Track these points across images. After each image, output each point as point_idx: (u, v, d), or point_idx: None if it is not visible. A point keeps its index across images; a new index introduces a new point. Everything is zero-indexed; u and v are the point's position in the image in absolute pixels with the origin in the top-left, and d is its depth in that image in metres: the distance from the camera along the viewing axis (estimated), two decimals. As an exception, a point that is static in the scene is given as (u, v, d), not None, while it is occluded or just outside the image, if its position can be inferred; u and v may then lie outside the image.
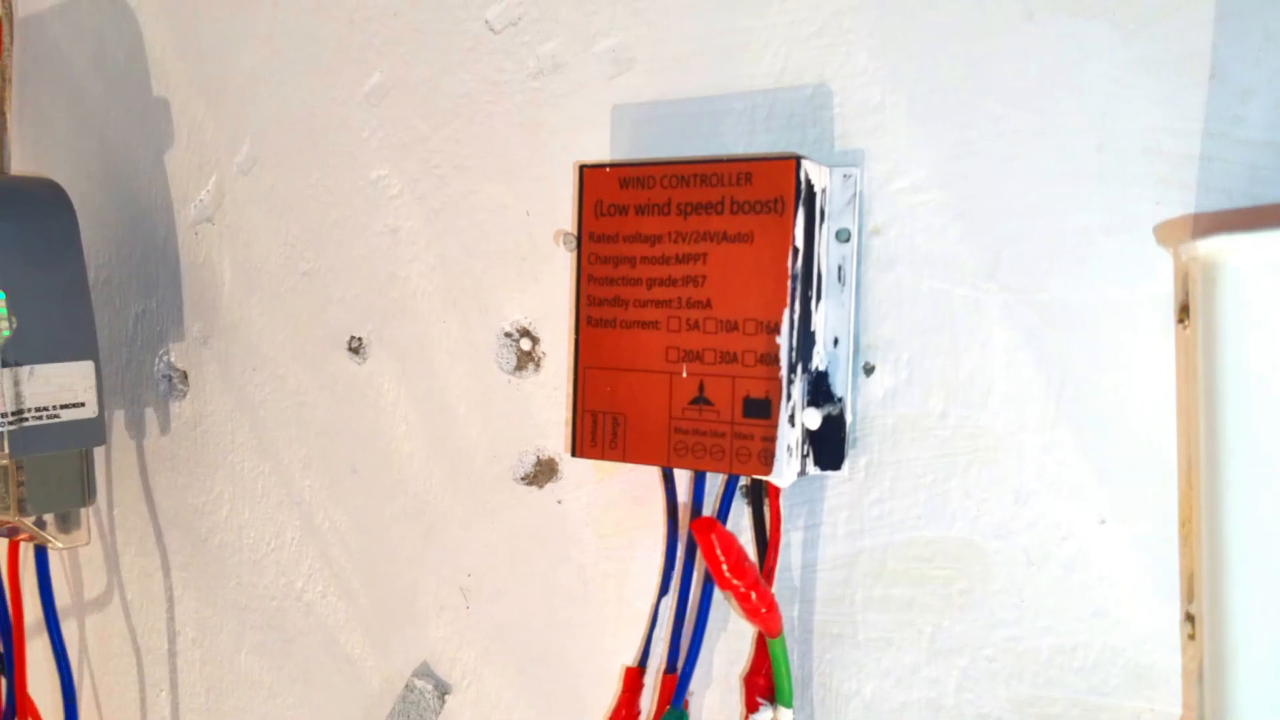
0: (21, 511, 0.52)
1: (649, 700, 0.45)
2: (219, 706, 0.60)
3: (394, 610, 0.53)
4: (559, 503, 0.48)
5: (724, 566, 0.34)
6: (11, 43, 0.59)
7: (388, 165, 0.51)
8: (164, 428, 0.60)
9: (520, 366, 0.49)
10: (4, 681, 0.58)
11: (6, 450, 0.49)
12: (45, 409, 0.51)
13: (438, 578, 0.52)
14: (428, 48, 0.50)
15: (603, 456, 0.42)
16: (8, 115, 0.58)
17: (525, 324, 0.48)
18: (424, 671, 0.53)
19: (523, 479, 0.49)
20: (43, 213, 0.52)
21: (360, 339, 0.53)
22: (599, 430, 0.43)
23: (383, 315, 0.52)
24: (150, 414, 0.60)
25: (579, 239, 0.43)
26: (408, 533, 0.53)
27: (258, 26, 0.55)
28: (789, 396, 0.39)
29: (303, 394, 0.55)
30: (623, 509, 0.47)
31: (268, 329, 0.56)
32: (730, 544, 0.35)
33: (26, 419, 0.50)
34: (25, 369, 0.50)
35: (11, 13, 0.59)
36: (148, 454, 0.61)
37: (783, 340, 0.39)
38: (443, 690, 0.52)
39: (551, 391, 0.48)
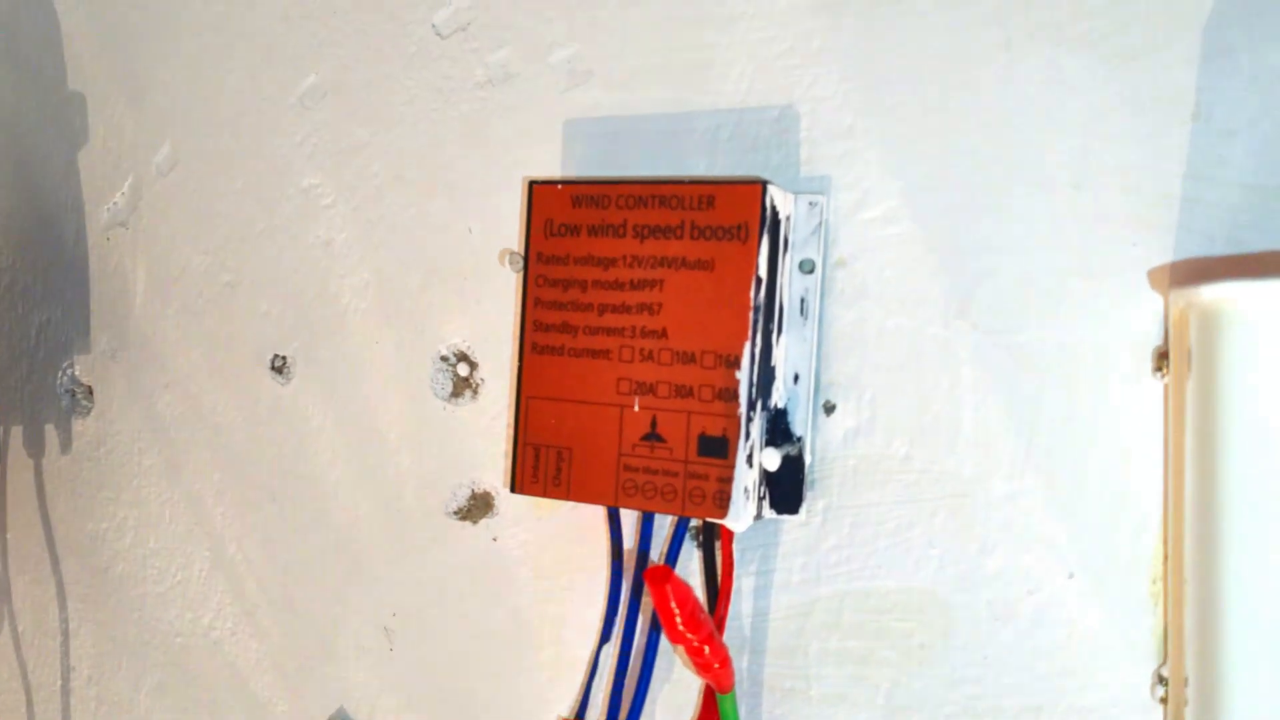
0: (-103, 536, 0.47)
1: (585, 756, 0.42)
2: (113, 751, 0.55)
3: (310, 651, 0.50)
4: (494, 540, 0.45)
5: (678, 619, 0.32)
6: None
7: (321, 173, 0.48)
8: (65, 446, 0.56)
9: (457, 393, 0.46)
10: None
11: (-119, 469, 0.44)
12: (-71, 424, 0.46)
13: (359, 617, 0.48)
14: (369, 51, 0.47)
15: (544, 494, 0.40)
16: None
17: (464, 348, 0.45)
18: (340, 718, 0.49)
19: (455, 513, 0.46)
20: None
21: (285, 358, 0.49)
22: (541, 465, 0.40)
23: (310, 333, 0.49)
24: (50, 431, 0.56)
25: (526, 259, 0.40)
26: (329, 568, 0.49)
27: (185, 20, 0.51)
28: (748, 435, 0.36)
29: (219, 415, 0.51)
30: (563, 548, 0.44)
31: (183, 343, 0.52)
32: (686, 595, 0.32)
33: (-94, 435, 0.45)
34: (-93, 379, 0.45)
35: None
36: (46, 474, 0.56)
37: (743, 375, 0.36)
38: (361, 739, 0.48)
39: (490, 421, 0.45)
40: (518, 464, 0.40)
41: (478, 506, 0.46)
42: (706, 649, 0.33)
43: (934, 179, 0.37)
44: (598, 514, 0.42)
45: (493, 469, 0.45)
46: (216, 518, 0.52)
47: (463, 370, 0.45)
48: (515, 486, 0.40)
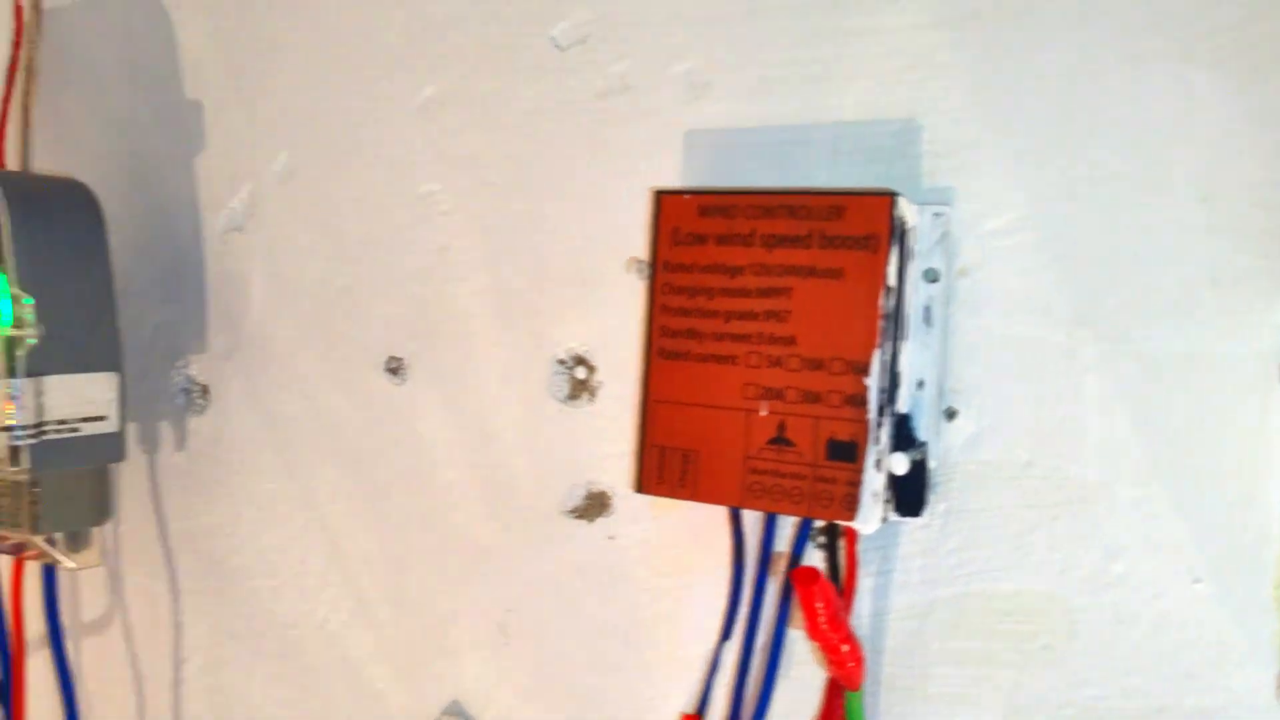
0: (34, 529, 0.49)
1: (705, 749, 0.43)
2: (226, 738, 0.57)
3: (425, 644, 0.51)
4: (610, 538, 0.46)
5: (821, 618, 0.33)
6: (38, 35, 0.56)
7: (439, 181, 0.50)
8: (180, 443, 0.58)
9: (574, 396, 0.47)
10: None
11: (27, 465, 0.46)
12: (66, 422, 0.48)
13: (475, 612, 0.50)
14: (488, 62, 0.48)
15: (669, 494, 0.41)
16: (31, 110, 0.55)
17: (581, 352, 0.47)
18: (455, 710, 0.50)
19: (572, 512, 0.47)
20: (71, 215, 0.49)
21: (400, 359, 0.51)
22: (666, 466, 0.41)
23: (426, 336, 0.50)
24: (166, 428, 0.58)
25: (652, 267, 0.41)
26: (444, 564, 0.50)
27: (304, 32, 0.53)
28: (877, 440, 0.37)
29: (334, 414, 0.53)
30: (680, 548, 0.45)
31: (299, 345, 0.54)
32: (831, 595, 0.33)
33: (47, 432, 0.47)
34: (49, 379, 0.47)
35: (40, 6, 0.56)
36: (160, 470, 0.58)
37: (872, 382, 0.37)
38: (474, 730, 0.50)
39: (607, 423, 0.46)
40: (643, 465, 0.41)
41: (594, 506, 0.47)
42: (845, 647, 0.34)
43: (1058, 190, 0.38)
44: (713, 516, 0.43)
45: (610, 469, 0.46)
46: (332, 514, 0.53)
47: (580, 374, 0.47)
48: (640, 487, 0.41)
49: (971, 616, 0.40)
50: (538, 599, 0.48)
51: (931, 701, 0.40)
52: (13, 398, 0.46)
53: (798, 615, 0.36)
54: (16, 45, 0.58)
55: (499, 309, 0.49)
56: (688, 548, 0.45)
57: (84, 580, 0.61)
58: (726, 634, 0.42)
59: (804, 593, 0.33)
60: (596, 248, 0.46)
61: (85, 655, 0.62)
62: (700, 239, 0.40)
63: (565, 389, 0.47)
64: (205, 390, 0.57)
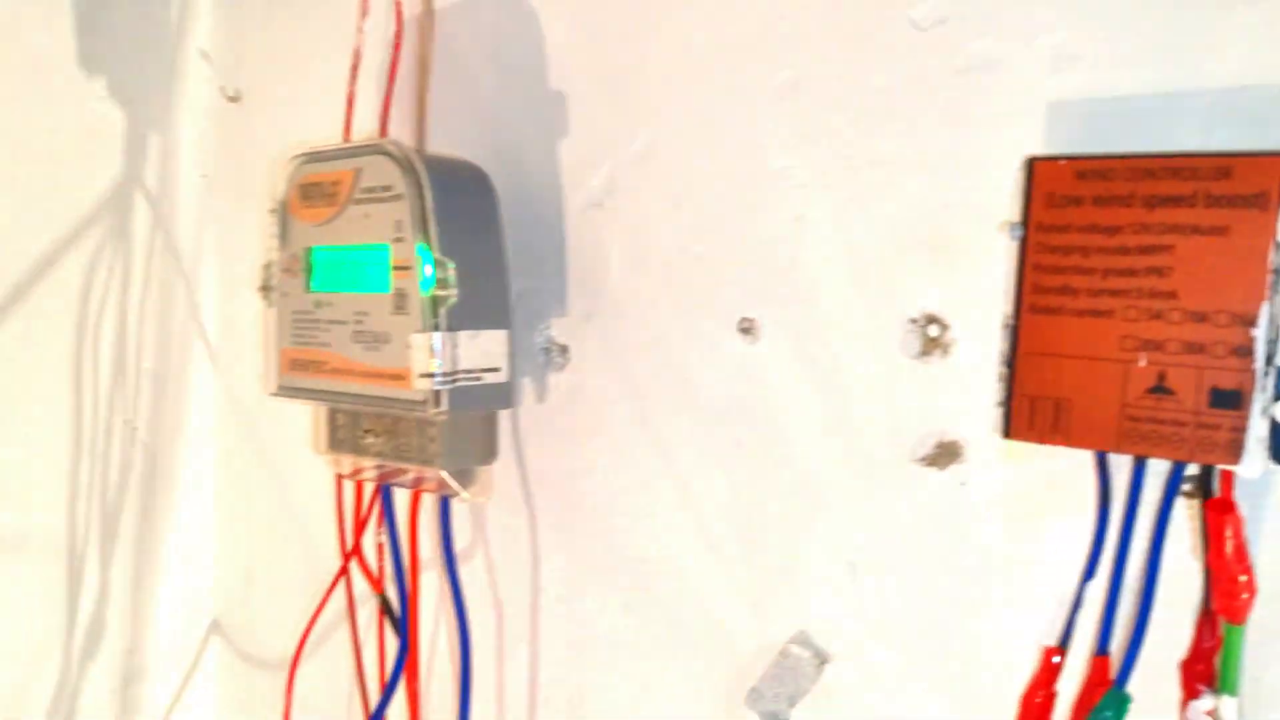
0: (440, 464, 0.57)
1: (1067, 682, 0.46)
2: (581, 661, 0.64)
3: (772, 580, 0.56)
4: (962, 484, 0.50)
5: (1229, 546, 0.35)
6: (432, 33, 0.64)
7: (794, 156, 0.54)
8: (540, 396, 0.65)
9: (926, 352, 0.51)
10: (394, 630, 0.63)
11: (445, 407, 0.54)
12: (471, 371, 0.56)
13: (823, 550, 0.54)
14: (845, 45, 0.52)
15: (1040, 440, 0.44)
16: (425, 102, 0.64)
17: (934, 312, 0.50)
18: (802, 639, 0.55)
19: (922, 460, 0.51)
20: (473, 192, 0.57)
21: (752, 320, 0.56)
22: (1037, 414, 0.44)
23: (779, 298, 0.55)
24: (528, 383, 0.65)
25: (1024, 229, 0.44)
26: (792, 506, 0.55)
27: (661, 26, 0.59)
28: (1263, 388, 0.39)
29: (688, 370, 0.59)
30: (1036, 494, 0.48)
31: (655, 308, 0.60)
32: (1240, 528, 0.36)
33: (459, 380, 0.55)
34: (461, 334, 0.55)
35: (432, 8, 0.64)
36: (521, 420, 0.66)
37: (1259, 333, 0.39)
38: (822, 659, 0.54)
39: (960, 377, 0.50)
40: (1013, 413, 0.45)
41: (945, 454, 0.50)
42: (1243, 577, 0.37)
43: None
44: (1069, 463, 0.46)
45: (962, 420, 0.50)
46: (683, 460, 0.59)
47: (933, 331, 0.50)
48: (1010, 433, 0.45)
49: (1352, 564, 0.41)
50: (887, 540, 0.52)
51: (1304, 645, 0.42)
52: (435, 350, 0.54)
53: (1196, 544, 0.38)
54: (396, 46, 0.66)
55: (851, 273, 0.53)
56: (1043, 493, 0.48)
57: (454, 514, 0.70)
58: (1090, 573, 0.45)
59: (1215, 520, 0.35)
60: (952, 214, 0.50)
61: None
62: (1075, 201, 0.43)
63: (917, 346, 0.51)
64: (564, 349, 0.64)
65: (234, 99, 0.82)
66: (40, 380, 0.74)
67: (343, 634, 0.74)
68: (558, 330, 0.64)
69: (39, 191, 0.73)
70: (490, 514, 0.68)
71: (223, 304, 0.85)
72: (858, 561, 0.53)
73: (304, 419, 0.78)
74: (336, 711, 0.78)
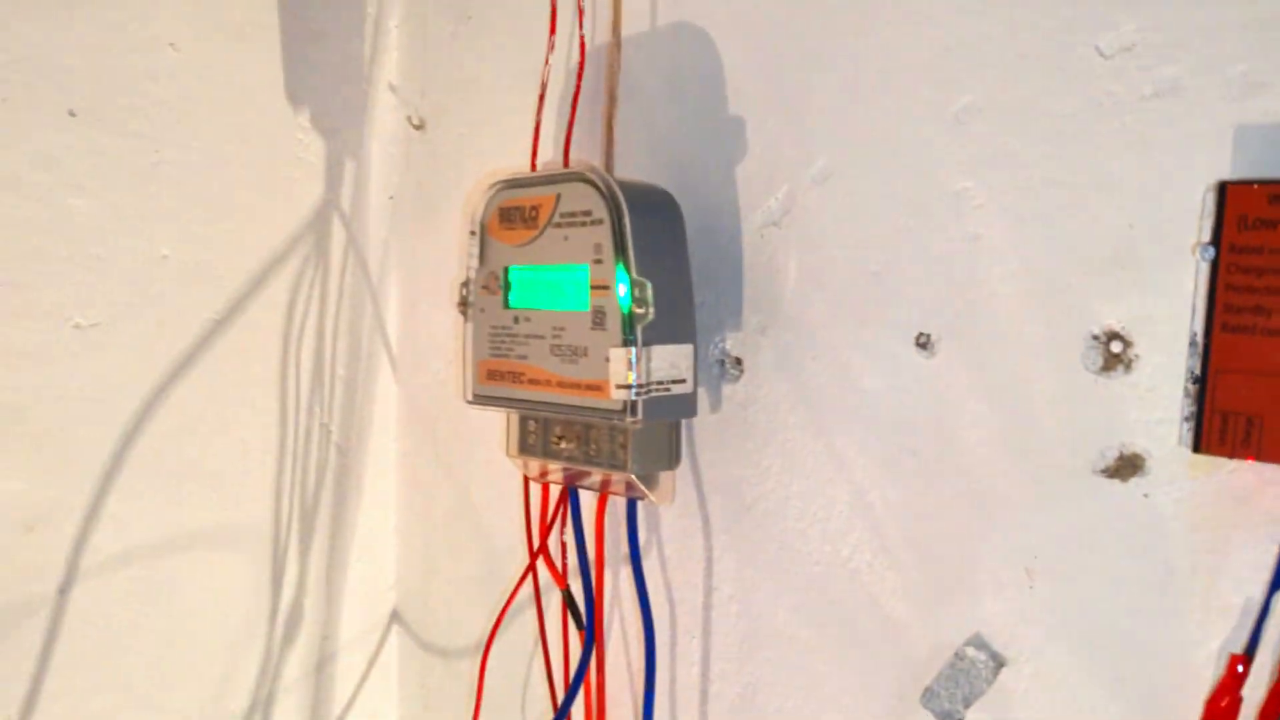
0: (629, 469, 0.61)
1: (1253, 690, 0.47)
2: (751, 655, 0.68)
3: (946, 584, 0.59)
4: (1145, 496, 0.52)
5: None
6: (619, 66, 0.69)
7: (972, 179, 0.57)
8: (714, 406, 0.69)
9: (1108, 367, 0.52)
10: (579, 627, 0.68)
11: (640, 416, 0.58)
12: (661, 383, 0.60)
13: (998, 557, 0.56)
14: (1027, 72, 0.54)
15: (1232, 454, 0.46)
16: (613, 129, 0.68)
17: (1117, 329, 0.52)
18: (978, 641, 0.57)
19: (1102, 471, 0.53)
20: (666, 215, 0.61)
21: (928, 335, 0.59)
22: (1229, 429, 0.46)
23: (955, 314, 0.58)
24: (702, 394, 0.69)
25: (1216, 249, 0.46)
26: (967, 514, 0.58)
27: (839, 54, 0.62)
28: None
29: (863, 382, 0.61)
30: (1222, 506, 0.49)
31: (830, 323, 0.63)
32: None
33: (652, 391, 0.59)
34: (655, 348, 0.59)
35: (619, 41, 0.69)
36: (696, 428, 0.70)
37: None
38: (998, 662, 0.57)
39: (1142, 392, 0.51)
40: (1203, 428, 0.46)
41: (1126, 466, 0.52)
42: None
43: None
44: (1256, 478, 0.47)
45: (1145, 434, 0.51)
46: (857, 468, 0.62)
47: (1115, 347, 0.52)
48: (1199, 447, 0.46)
49: None
50: (1065, 548, 0.54)
51: None
52: (632, 363, 0.58)
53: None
54: (579, 76, 0.71)
55: (1031, 290, 0.55)
56: (1230, 506, 0.49)
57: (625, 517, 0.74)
58: (1277, 584, 0.46)
59: None
60: (1135, 235, 0.51)
61: (623, 580, 0.75)
62: (1269, 224, 0.45)
63: (1098, 361, 0.53)
64: (739, 361, 0.67)
65: (419, 127, 0.89)
66: (251, 386, 0.81)
67: (514, 626, 0.79)
68: (732, 343, 0.68)
69: (253, 214, 0.80)
70: (664, 516, 0.72)
71: (404, 317, 0.92)
72: (1035, 568, 0.55)
73: (479, 424, 0.83)
74: (512, 698, 0.83)
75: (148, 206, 0.75)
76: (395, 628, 0.93)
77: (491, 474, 0.84)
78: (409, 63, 0.89)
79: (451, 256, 0.87)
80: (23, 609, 0.70)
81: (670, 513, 0.72)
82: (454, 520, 0.89)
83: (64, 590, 0.72)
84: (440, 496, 0.90)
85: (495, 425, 0.81)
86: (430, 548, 0.91)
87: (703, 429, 0.70)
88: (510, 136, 0.80)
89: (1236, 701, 0.48)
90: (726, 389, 0.68)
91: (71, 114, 0.70)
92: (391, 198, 0.90)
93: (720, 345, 0.68)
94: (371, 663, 0.91)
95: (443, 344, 0.88)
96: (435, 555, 0.91)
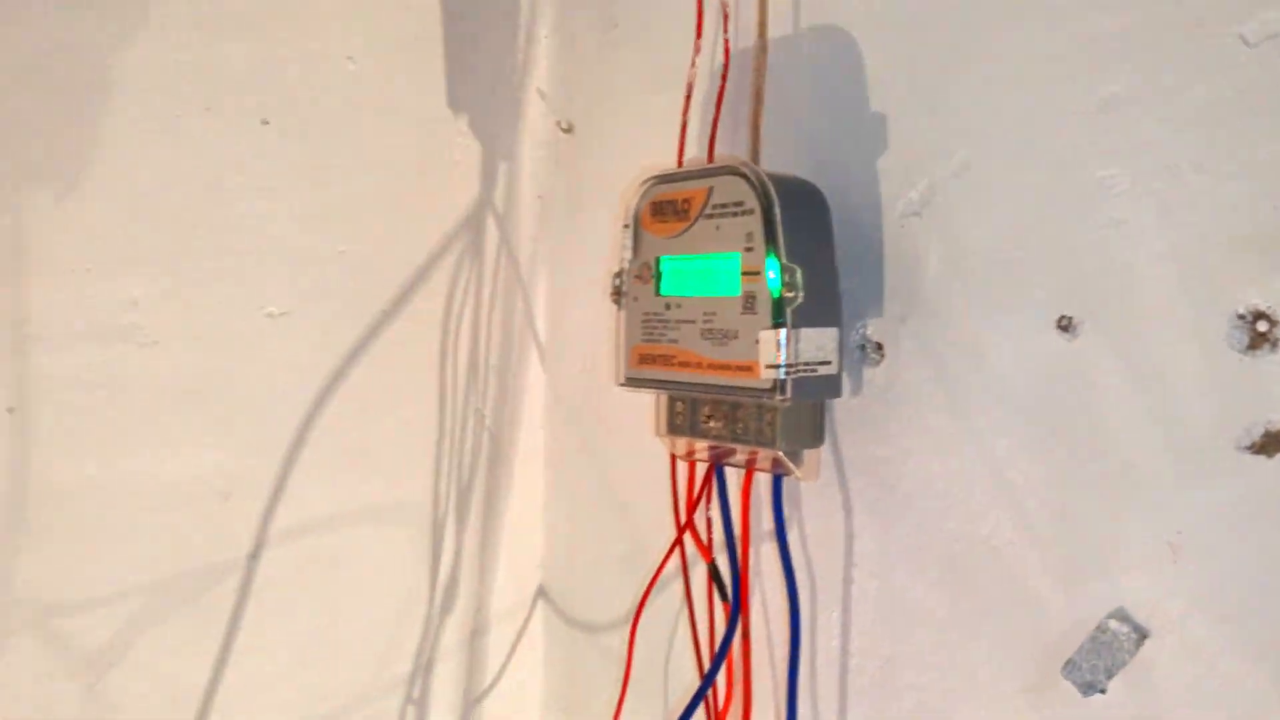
0: (778, 446, 0.65)
1: (1406, 659, 0.48)
2: (890, 629, 0.71)
3: (1086, 560, 0.60)
4: (1291, 472, 0.53)
5: None
6: (765, 67, 0.73)
7: (1116, 166, 0.58)
8: (855, 389, 0.72)
9: (1253, 346, 0.54)
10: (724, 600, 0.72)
11: (789, 394, 0.62)
12: (809, 364, 0.63)
13: (1140, 533, 0.58)
14: (1169, 61, 0.56)
15: (1382, 427, 0.47)
16: (760, 128, 0.72)
17: (1262, 308, 0.53)
18: (1121, 615, 0.59)
19: (1248, 448, 0.54)
20: (813, 205, 0.65)
21: (1070, 318, 0.61)
22: (1379, 403, 0.47)
23: (1098, 298, 0.59)
24: (844, 377, 0.72)
25: (1365, 229, 0.47)
26: (1110, 491, 0.59)
27: (978, 51, 0.64)
28: None
29: (1003, 365, 0.64)
30: (1373, 481, 0.50)
31: (970, 308, 0.65)
32: None
33: (799, 371, 0.62)
34: (803, 330, 0.62)
35: (765, 43, 0.73)
36: (838, 410, 0.73)
37: None
38: (1141, 634, 0.58)
39: (1290, 370, 0.53)
40: (1352, 402, 0.48)
41: (1272, 443, 0.53)
42: None
43: None
44: None
45: (1292, 411, 0.53)
46: (998, 448, 0.64)
47: (1261, 327, 0.54)
48: (1349, 421, 0.48)
49: None
50: (1210, 523, 0.56)
51: None
52: (781, 345, 0.62)
53: None
54: (724, 78, 0.75)
55: (1174, 273, 0.56)
56: (1381, 481, 0.50)
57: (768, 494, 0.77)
58: None
59: None
60: (1282, 216, 0.53)
61: (764, 556, 0.78)
62: None
63: (1244, 340, 0.54)
64: (879, 347, 0.70)
65: (567, 130, 0.94)
66: (413, 373, 0.88)
67: (657, 601, 0.83)
68: (873, 329, 0.71)
69: (416, 213, 0.87)
70: (805, 493, 0.75)
71: (551, 309, 0.97)
72: (1179, 543, 0.57)
73: (621, 411, 0.88)
74: (654, 669, 0.87)
75: (326, 207, 0.82)
76: (540, 603, 0.99)
77: (634, 457, 0.89)
78: (558, 69, 0.95)
79: (596, 254, 0.92)
80: (222, 571, 0.78)
81: (811, 491, 0.75)
82: (597, 502, 0.93)
83: (254, 556, 0.80)
84: (584, 480, 0.95)
85: (636, 412, 0.85)
86: (575, 528, 0.96)
87: (844, 412, 0.73)
88: (653, 138, 0.85)
89: (1388, 671, 0.49)
90: (868, 373, 0.71)
91: (264, 122, 0.78)
92: (540, 197, 0.95)
93: (862, 331, 0.71)
94: (520, 635, 0.97)
95: (588, 336, 0.93)
96: (579, 535, 0.96)
